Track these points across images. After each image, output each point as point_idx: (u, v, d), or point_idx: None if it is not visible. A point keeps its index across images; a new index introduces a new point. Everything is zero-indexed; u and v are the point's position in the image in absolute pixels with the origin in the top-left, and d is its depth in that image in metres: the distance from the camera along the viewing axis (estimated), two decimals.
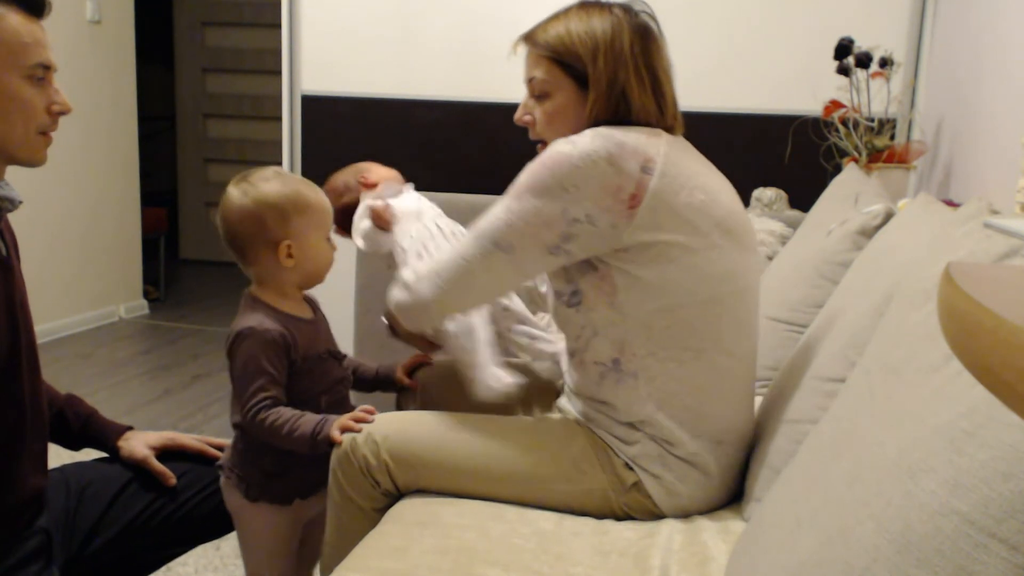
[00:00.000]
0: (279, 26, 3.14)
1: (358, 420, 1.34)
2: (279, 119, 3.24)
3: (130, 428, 1.49)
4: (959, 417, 0.65)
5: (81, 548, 1.33)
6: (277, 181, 1.41)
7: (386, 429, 1.33)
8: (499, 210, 1.27)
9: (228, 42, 5.87)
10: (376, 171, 1.76)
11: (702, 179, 1.27)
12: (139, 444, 1.45)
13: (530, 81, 1.35)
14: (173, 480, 1.43)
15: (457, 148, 3.08)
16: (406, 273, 1.38)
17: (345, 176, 1.77)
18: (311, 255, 1.42)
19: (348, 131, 3.13)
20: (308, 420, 1.35)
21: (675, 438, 1.27)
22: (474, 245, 1.29)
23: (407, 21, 3.06)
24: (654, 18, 1.33)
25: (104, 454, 1.48)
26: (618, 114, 1.28)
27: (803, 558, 0.75)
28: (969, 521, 0.58)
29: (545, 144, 1.35)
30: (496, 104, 3.02)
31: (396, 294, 1.39)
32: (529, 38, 1.34)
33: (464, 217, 2.85)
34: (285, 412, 1.36)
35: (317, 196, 1.44)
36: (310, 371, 1.43)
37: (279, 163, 3.26)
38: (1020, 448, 0.58)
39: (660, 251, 1.23)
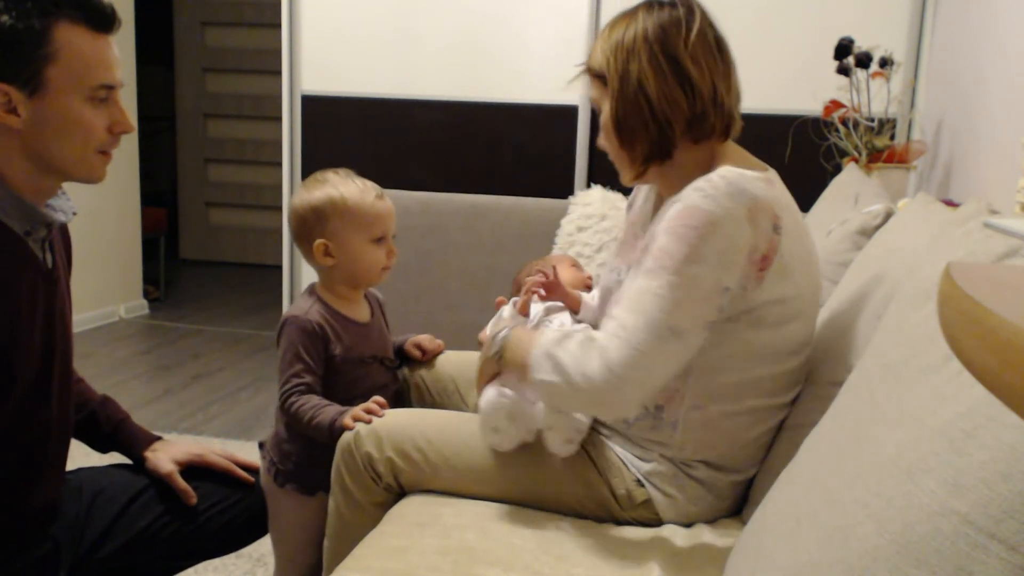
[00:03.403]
0: (279, 26, 3.14)
1: (369, 411, 1.37)
2: (279, 119, 3.24)
3: (159, 438, 1.46)
4: (958, 417, 0.65)
5: (89, 553, 1.32)
6: (330, 184, 1.48)
7: (391, 424, 1.34)
8: (660, 287, 1.13)
9: (228, 42, 5.87)
10: (560, 271, 1.60)
11: (802, 229, 1.22)
12: (165, 459, 1.41)
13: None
14: (194, 500, 1.40)
15: (457, 148, 3.08)
16: (569, 364, 1.16)
17: (522, 275, 1.72)
18: (351, 256, 1.48)
19: (348, 131, 3.13)
20: (329, 410, 1.40)
21: (695, 465, 1.26)
22: (648, 334, 1.12)
23: (407, 21, 3.06)
24: (691, 9, 1.24)
25: (128, 460, 1.46)
26: (639, 109, 1.22)
27: (803, 558, 0.75)
28: (968, 521, 0.58)
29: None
30: (496, 104, 3.02)
31: (559, 386, 1.17)
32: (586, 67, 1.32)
33: (464, 217, 2.86)
34: (311, 400, 1.42)
35: (363, 199, 1.47)
36: (350, 372, 1.49)
37: (279, 163, 3.27)
38: (1019, 448, 0.58)
39: (758, 315, 1.18)
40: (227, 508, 1.44)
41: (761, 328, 1.19)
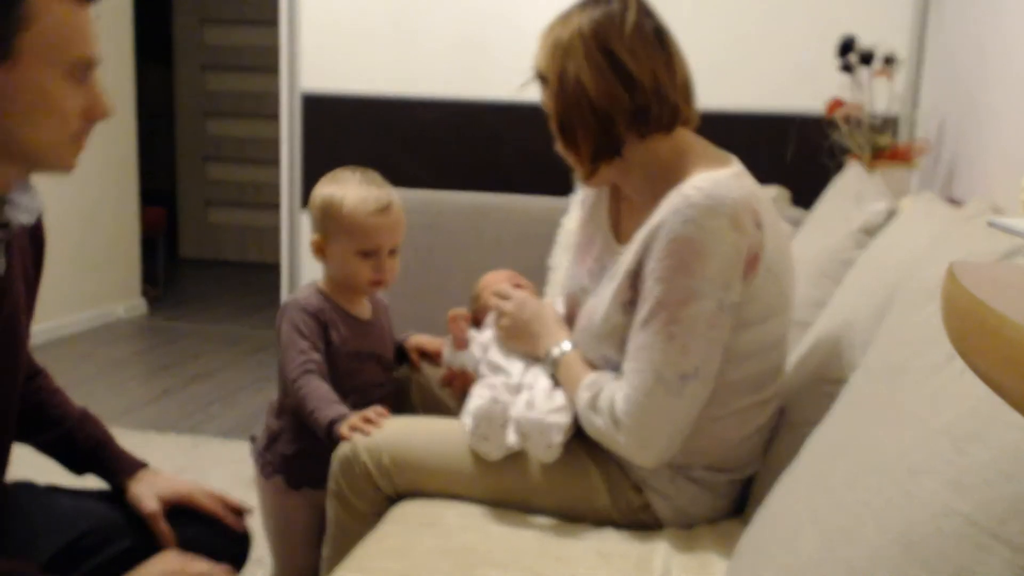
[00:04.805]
0: (278, 24, 3.14)
1: (367, 421, 1.34)
2: (279, 117, 3.23)
3: (144, 465, 1.28)
4: (961, 417, 0.65)
5: None
6: (338, 184, 1.47)
7: (390, 435, 1.33)
8: (660, 341, 1.14)
9: (228, 40, 5.86)
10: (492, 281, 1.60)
11: (775, 216, 1.22)
12: (149, 494, 1.22)
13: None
14: (172, 546, 1.20)
15: (458, 146, 3.08)
16: (603, 428, 1.22)
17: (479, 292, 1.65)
18: (335, 261, 1.48)
19: (348, 129, 3.13)
20: (331, 410, 1.37)
21: (692, 467, 1.26)
22: (660, 393, 1.15)
23: (407, 19, 3.05)
24: (625, 2, 1.23)
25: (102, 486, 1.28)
26: (579, 106, 1.21)
27: (805, 559, 0.74)
28: (971, 522, 0.58)
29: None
30: (496, 104, 3.02)
31: (599, 439, 1.24)
32: None
33: (464, 215, 2.86)
34: (320, 389, 1.39)
35: (357, 210, 1.43)
36: (345, 365, 1.48)
37: (277, 162, 3.26)
38: (1022, 448, 0.58)
39: (744, 315, 1.18)
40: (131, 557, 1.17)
41: (746, 328, 1.19)
